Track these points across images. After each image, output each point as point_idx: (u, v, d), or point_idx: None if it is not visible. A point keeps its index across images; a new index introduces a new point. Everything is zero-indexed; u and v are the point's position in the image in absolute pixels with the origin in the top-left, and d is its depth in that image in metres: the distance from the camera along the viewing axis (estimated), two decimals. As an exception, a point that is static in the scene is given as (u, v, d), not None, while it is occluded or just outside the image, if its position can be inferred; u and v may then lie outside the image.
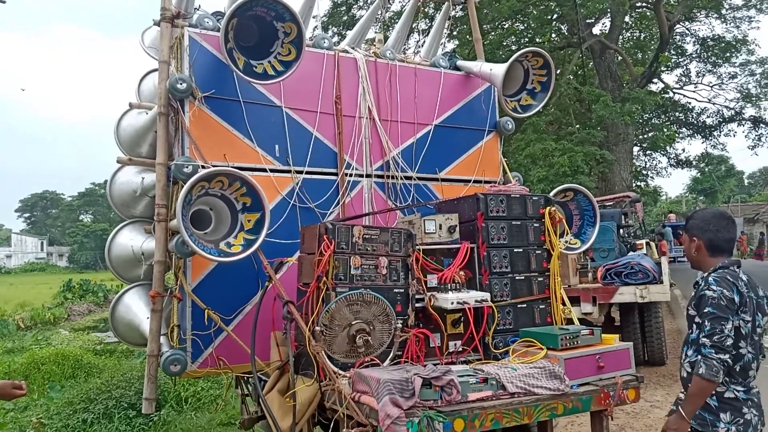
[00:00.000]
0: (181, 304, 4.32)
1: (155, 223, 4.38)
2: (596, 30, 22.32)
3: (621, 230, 11.07)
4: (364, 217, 4.80)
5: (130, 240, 4.90)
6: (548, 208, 4.44)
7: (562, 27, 22.42)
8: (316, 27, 20.07)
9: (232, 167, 4.24)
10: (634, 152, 25.54)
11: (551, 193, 4.88)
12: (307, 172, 4.81)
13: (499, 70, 5.20)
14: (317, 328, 3.44)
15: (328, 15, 21.43)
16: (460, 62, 5.73)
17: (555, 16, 21.54)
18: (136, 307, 4.77)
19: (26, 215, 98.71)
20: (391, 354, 3.67)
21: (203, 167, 4.19)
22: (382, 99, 5.22)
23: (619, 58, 22.38)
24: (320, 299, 3.57)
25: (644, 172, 28.51)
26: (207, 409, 7.53)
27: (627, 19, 23.23)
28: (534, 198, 4.44)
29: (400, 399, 3.00)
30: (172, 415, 7.22)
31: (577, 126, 19.11)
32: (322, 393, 3.54)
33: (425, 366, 3.36)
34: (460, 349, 4.04)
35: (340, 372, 3.47)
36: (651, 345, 8.92)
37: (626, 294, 8.22)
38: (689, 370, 2.99)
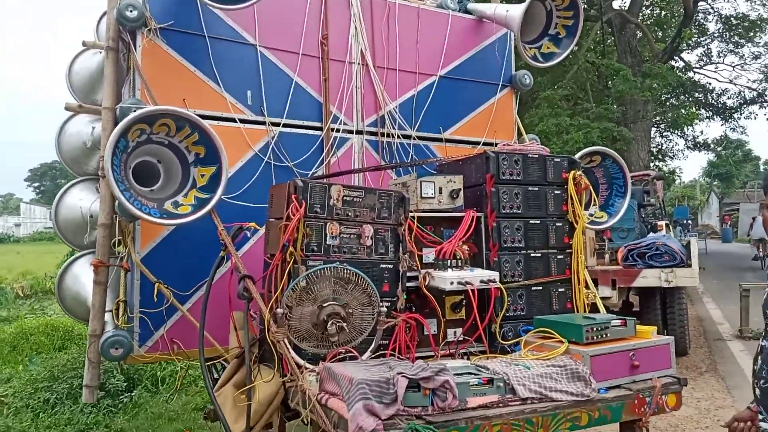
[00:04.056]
0: (129, 276, 3.63)
1: (100, 180, 3.67)
2: (616, 4, 21.23)
3: (641, 209, 10.25)
4: (351, 177, 4.05)
5: (79, 200, 4.21)
6: (573, 171, 3.71)
7: (581, -1, 21.35)
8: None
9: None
10: (651, 133, 24.57)
11: (576, 156, 4.11)
12: (285, 125, 4.08)
13: (516, 11, 4.42)
14: (279, 311, 2.72)
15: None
16: (472, 5, 4.93)
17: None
18: (84, 277, 4.10)
19: (35, 185, 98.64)
20: (374, 344, 2.95)
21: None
22: (378, 43, 4.45)
23: (640, 34, 21.31)
24: (285, 274, 2.85)
25: (660, 155, 27.51)
26: (185, 392, 6.88)
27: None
28: (556, 160, 3.70)
29: (378, 406, 2.30)
30: (144, 397, 6.56)
31: (594, 104, 18.17)
32: (286, 390, 2.85)
33: (414, 362, 2.65)
34: (461, 338, 3.33)
35: (307, 366, 2.76)
36: (673, 333, 8.10)
37: (650, 277, 7.44)
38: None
